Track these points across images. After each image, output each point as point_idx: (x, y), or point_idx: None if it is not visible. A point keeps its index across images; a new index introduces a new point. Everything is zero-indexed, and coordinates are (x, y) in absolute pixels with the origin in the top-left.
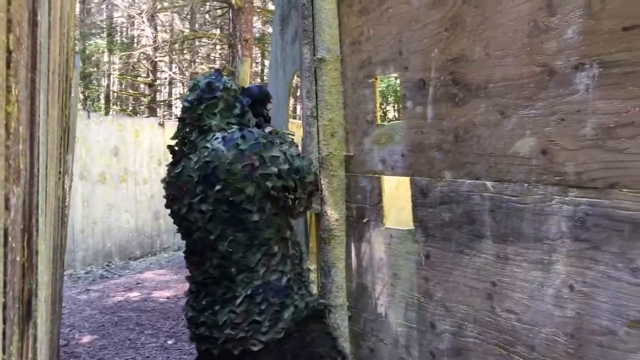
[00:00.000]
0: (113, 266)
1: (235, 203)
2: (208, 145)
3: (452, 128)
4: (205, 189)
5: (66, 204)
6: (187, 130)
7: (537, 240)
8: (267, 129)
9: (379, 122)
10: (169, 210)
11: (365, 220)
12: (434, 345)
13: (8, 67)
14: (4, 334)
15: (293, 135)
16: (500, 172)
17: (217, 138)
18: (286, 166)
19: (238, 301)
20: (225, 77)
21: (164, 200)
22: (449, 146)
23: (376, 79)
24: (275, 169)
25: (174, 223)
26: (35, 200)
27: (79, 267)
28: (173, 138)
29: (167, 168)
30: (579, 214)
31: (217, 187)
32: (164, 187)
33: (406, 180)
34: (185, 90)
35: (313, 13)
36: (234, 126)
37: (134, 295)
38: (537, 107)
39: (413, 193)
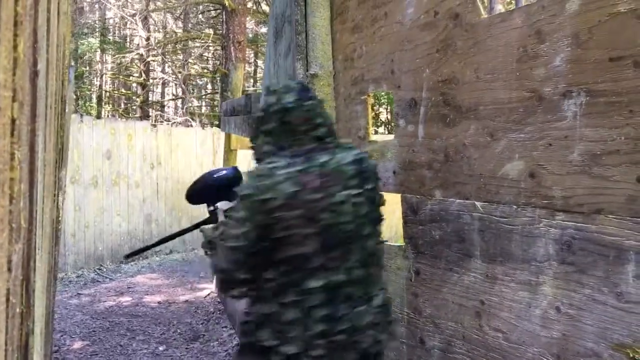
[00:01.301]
0: (104, 270)
1: (376, 204)
2: (352, 146)
3: (443, 148)
4: (361, 184)
5: (60, 219)
6: (305, 128)
7: (524, 261)
8: None
9: (371, 138)
10: (271, 203)
11: None
12: None
13: (12, 134)
14: None
15: None
16: (489, 193)
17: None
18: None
19: (376, 302)
20: None
21: (157, 204)
22: (439, 165)
23: (369, 95)
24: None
25: (296, 216)
26: (33, 244)
27: (70, 271)
28: (267, 141)
29: (272, 166)
30: (565, 237)
31: (370, 185)
32: (284, 178)
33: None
34: (268, 96)
35: (306, 29)
36: None
37: (126, 299)
38: (525, 131)
39: (404, 210)
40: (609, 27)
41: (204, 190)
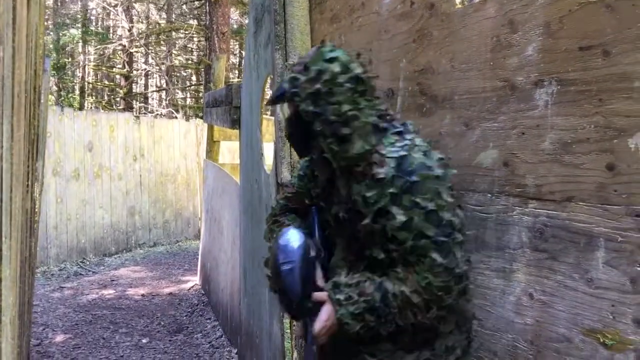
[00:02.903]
0: (87, 263)
1: None
2: None
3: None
4: None
5: (36, 210)
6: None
7: (499, 249)
8: None
9: None
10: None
11: None
12: None
13: None
14: None
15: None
16: (464, 181)
17: None
18: None
19: None
20: None
21: (140, 197)
22: None
23: None
24: None
25: None
26: None
27: (53, 264)
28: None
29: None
30: (538, 225)
31: None
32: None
33: None
34: (325, 64)
35: (285, 19)
36: None
37: (109, 292)
38: (499, 120)
39: None
40: (579, 16)
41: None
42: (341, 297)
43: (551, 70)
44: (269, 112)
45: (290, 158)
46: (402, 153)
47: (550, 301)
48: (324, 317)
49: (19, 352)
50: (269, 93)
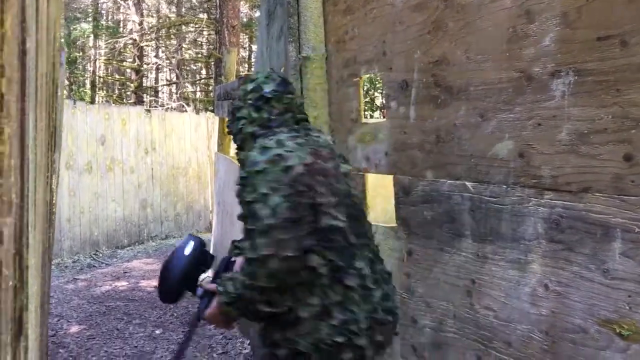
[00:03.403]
0: (100, 255)
1: (352, 187)
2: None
3: (434, 129)
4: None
5: (54, 202)
6: (283, 117)
7: (514, 240)
8: None
9: (363, 120)
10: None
11: None
12: (416, 340)
13: (1, 109)
14: None
15: None
16: (479, 173)
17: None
18: None
19: (390, 285)
20: None
21: (152, 190)
22: (430, 146)
23: (360, 78)
24: None
25: (320, 182)
26: (25, 220)
27: (66, 256)
28: (257, 122)
29: (270, 144)
30: (554, 216)
31: (345, 169)
32: (296, 147)
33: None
34: (246, 84)
35: (298, 11)
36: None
37: (122, 284)
38: (515, 111)
39: (396, 191)
40: (596, 6)
41: (180, 282)
42: (221, 288)
43: (568, 61)
44: None
45: None
46: (250, 153)
47: (566, 292)
48: (213, 303)
49: (40, 341)
50: None
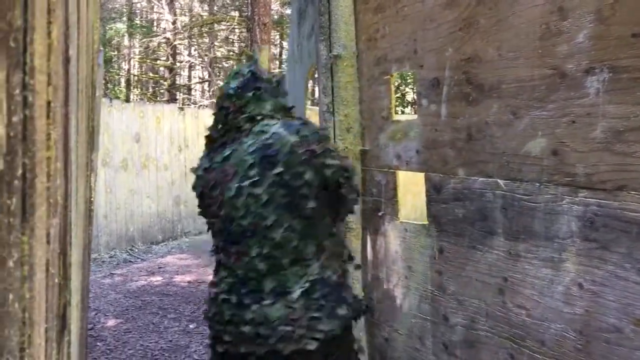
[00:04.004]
0: (136, 250)
1: (293, 187)
2: (267, 129)
3: (466, 126)
4: (263, 172)
5: (92, 200)
6: (232, 117)
7: (547, 238)
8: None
9: (394, 118)
10: (196, 199)
11: (380, 214)
12: (447, 337)
13: (48, 116)
14: (45, 352)
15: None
16: (512, 171)
17: (276, 124)
18: (337, 161)
19: (295, 295)
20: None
21: (186, 186)
22: (462, 144)
23: (392, 76)
24: (332, 161)
25: (208, 212)
26: (69, 219)
27: (103, 252)
28: (212, 127)
29: (201, 157)
30: (588, 214)
31: (277, 170)
32: (197, 175)
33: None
34: (225, 79)
35: (329, 10)
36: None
37: (157, 279)
38: (548, 108)
39: (427, 189)
40: (631, 2)
41: None
42: None
43: (603, 58)
44: (308, 102)
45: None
46: None
47: (601, 291)
48: None
49: (80, 335)
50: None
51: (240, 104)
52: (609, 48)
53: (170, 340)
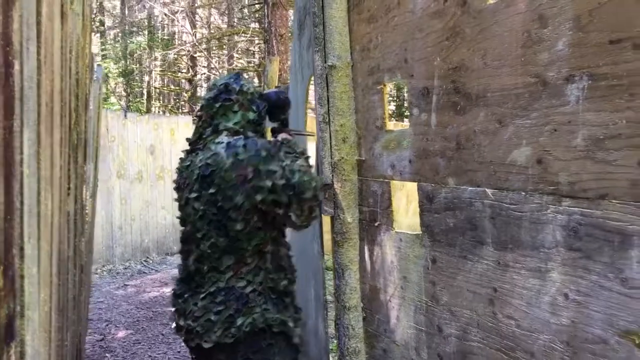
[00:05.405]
0: (151, 261)
1: (223, 209)
2: (213, 147)
3: (455, 135)
4: (201, 189)
5: (86, 211)
6: (201, 126)
7: (534, 248)
8: (281, 136)
9: (387, 127)
10: None
11: (376, 224)
12: (442, 349)
13: None
14: None
15: (313, 135)
16: (499, 180)
17: (221, 142)
18: (282, 181)
19: (201, 296)
20: (244, 80)
21: None
22: (451, 153)
23: (384, 85)
24: (269, 183)
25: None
26: (16, 231)
27: (118, 263)
28: (193, 133)
29: (181, 157)
30: (572, 223)
31: (211, 190)
32: (176, 173)
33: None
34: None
35: (324, 21)
36: (250, 133)
37: (169, 290)
38: (532, 117)
39: (420, 199)
40: (608, 9)
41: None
42: None
43: (582, 65)
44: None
45: (331, 158)
46: None
47: (586, 301)
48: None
49: (59, 345)
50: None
51: (210, 114)
52: (588, 55)
53: (179, 351)
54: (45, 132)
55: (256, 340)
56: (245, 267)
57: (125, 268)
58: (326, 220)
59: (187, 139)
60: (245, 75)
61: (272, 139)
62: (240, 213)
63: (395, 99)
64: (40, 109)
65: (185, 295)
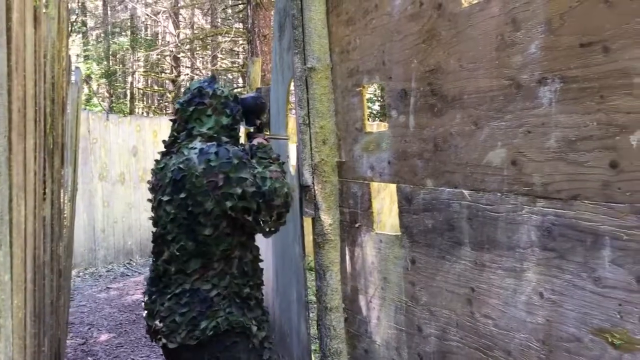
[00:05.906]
0: (134, 264)
1: (193, 214)
2: (186, 152)
3: (432, 137)
4: (173, 193)
5: (64, 216)
6: (175, 129)
7: (509, 248)
8: (257, 140)
9: (367, 129)
10: None
11: (357, 225)
12: (422, 348)
13: None
14: None
15: (287, 138)
16: (475, 181)
17: (195, 148)
18: (252, 189)
19: (167, 297)
20: (218, 84)
21: None
22: (429, 155)
23: (364, 87)
24: (239, 190)
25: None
26: None
27: (101, 266)
28: (169, 136)
29: (156, 159)
30: (546, 224)
31: (182, 195)
32: (151, 174)
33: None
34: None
35: (303, 23)
36: (224, 138)
37: None
38: (506, 119)
39: (399, 200)
40: (578, 12)
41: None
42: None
43: (554, 68)
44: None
45: (311, 160)
46: None
47: (560, 300)
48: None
49: (35, 352)
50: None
51: (185, 118)
52: (560, 58)
53: (161, 354)
54: (17, 138)
55: (220, 340)
56: (212, 271)
57: (108, 271)
58: (307, 222)
59: (164, 141)
60: (223, 77)
61: (247, 143)
62: (210, 219)
63: (379, 99)
64: (11, 116)
65: (153, 296)
